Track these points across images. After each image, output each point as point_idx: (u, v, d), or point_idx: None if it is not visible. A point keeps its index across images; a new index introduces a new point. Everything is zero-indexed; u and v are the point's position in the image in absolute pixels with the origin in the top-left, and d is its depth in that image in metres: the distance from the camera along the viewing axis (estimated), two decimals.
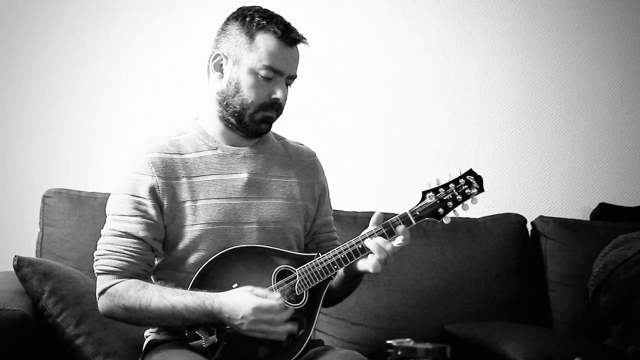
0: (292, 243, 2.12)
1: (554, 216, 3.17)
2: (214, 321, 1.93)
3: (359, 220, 2.92)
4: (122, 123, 3.11)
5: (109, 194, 2.77)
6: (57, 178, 2.98)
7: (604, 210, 3.29)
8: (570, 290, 3.01)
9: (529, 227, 3.15)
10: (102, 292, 1.99)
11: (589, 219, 3.32)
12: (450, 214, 2.05)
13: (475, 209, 3.26)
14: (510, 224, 3.08)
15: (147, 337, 2.13)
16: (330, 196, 2.30)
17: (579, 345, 2.64)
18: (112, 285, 1.97)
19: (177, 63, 3.16)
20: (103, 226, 2.04)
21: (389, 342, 2.23)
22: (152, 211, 2.00)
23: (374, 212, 2.96)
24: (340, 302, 2.26)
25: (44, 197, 2.78)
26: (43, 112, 3.07)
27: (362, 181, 3.23)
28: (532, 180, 3.38)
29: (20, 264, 2.24)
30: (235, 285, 1.96)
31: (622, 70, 3.44)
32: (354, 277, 2.11)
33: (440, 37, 3.34)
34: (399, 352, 1.85)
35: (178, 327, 2.00)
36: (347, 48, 3.29)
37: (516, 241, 3.06)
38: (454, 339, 2.72)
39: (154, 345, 2.07)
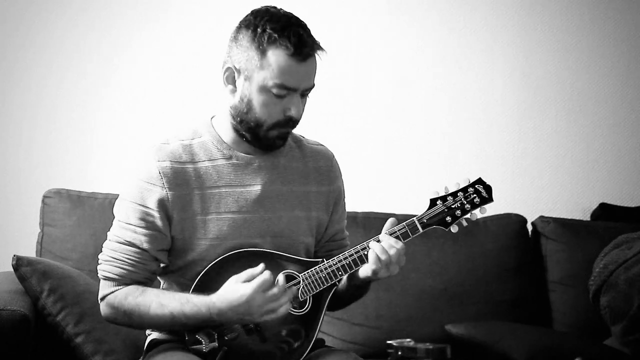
0: (301, 256, 2.08)
1: (554, 216, 3.17)
2: (216, 324, 1.91)
3: (359, 220, 2.92)
4: (122, 123, 3.11)
5: (109, 194, 2.81)
6: (57, 178, 2.98)
7: (604, 210, 3.29)
8: (571, 290, 3.01)
9: (529, 227, 3.15)
10: (102, 298, 1.99)
11: (589, 219, 3.31)
12: (458, 223, 2.03)
13: None
14: (510, 224, 3.08)
15: (148, 334, 2.12)
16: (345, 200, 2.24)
17: (579, 345, 2.64)
18: (112, 292, 1.97)
19: (177, 63, 3.16)
20: (110, 228, 2.02)
21: (389, 342, 2.24)
22: (159, 223, 1.96)
23: (373, 212, 3.00)
24: (345, 307, 2.22)
25: (44, 197, 2.78)
26: (43, 112, 3.07)
27: (362, 181, 3.22)
28: (532, 180, 3.38)
29: (19, 263, 2.24)
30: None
31: (623, 70, 3.44)
32: (358, 287, 2.08)
33: (440, 37, 3.34)
34: (400, 352, 1.85)
35: (180, 331, 1.99)
36: (347, 48, 3.28)
37: (516, 241, 3.06)
38: (454, 339, 2.71)
39: (155, 344, 2.06)
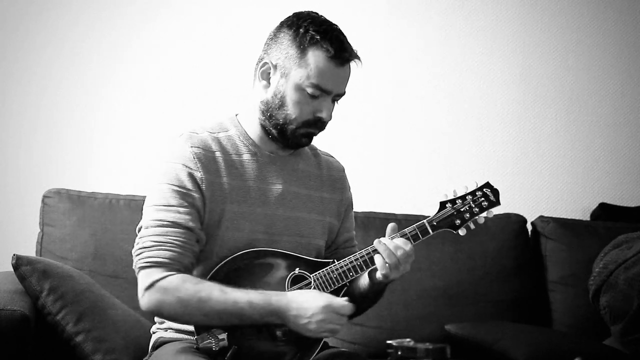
0: (312, 257, 2.09)
1: (554, 216, 3.17)
2: (276, 320, 1.90)
3: (359, 220, 2.91)
4: (122, 123, 3.11)
5: (109, 194, 2.80)
6: (57, 178, 2.98)
7: (604, 210, 3.29)
8: (570, 290, 3.01)
9: (529, 227, 3.15)
10: (151, 285, 1.90)
11: (589, 219, 3.32)
12: (466, 226, 2.06)
13: None
14: (510, 224, 3.08)
15: (153, 333, 2.11)
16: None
17: (579, 345, 2.64)
18: (164, 277, 1.89)
19: (177, 63, 3.16)
20: (140, 221, 1.97)
21: (389, 342, 2.23)
22: (199, 203, 1.95)
23: (373, 212, 3.00)
24: (361, 314, 2.23)
25: (44, 197, 2.77)
26: (43, 112, 3.07)
27: (362, 181, 3.22)
28: (532, 180, 3.38)
29: (19, 262, 2.24)
30: (249, 288, 1.94)
31: (622, 70, 3.45)
32: (377, 293, 2.11)
33: (440, 37, 3.35)
34: (399, 352, 1.84)
35: (230, 325, 1.92)
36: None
37: (516, 241, 3.06)
38: (454, 339, 2.71)
39: (162, 344, 2.05)
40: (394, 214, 3.02)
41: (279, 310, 1.89)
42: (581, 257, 3.00)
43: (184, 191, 1.94)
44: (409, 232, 2.02)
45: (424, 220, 2.04)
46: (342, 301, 1.91)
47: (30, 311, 2.14)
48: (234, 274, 1.97)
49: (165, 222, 1.92)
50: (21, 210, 3.00)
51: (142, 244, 1.93)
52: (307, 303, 1.89)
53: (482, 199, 2.08)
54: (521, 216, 3.12)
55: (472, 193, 2.08)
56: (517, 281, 3.00)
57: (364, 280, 2.06)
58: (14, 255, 2.25)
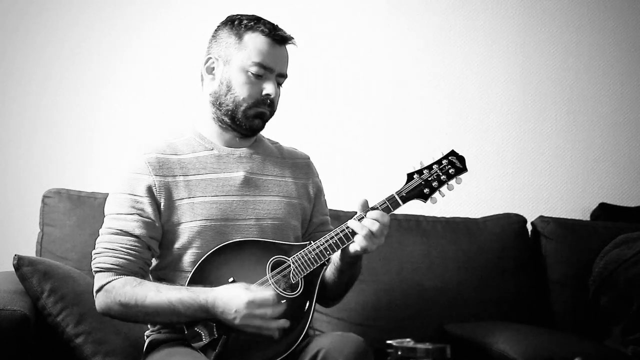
0: (291, 240, 2.15)
1: (554, 216, 3.17)
2: (208, 316, 1.95)
3: None
4: (122, 123, 3.11)
5: (109, 194, 2.80)
6: (57, 178, 2.98)
7: (604, 210, 3.29)
8: (570, 290, 3.00)
9: (529, 227, 3.15)
10: (99, 289, 2.01)
11: (589, 219, 3.32)
12: (437, 195, 2.10)
13: (475, 209, 3.29)
14: (510, 224, 3.08)
15: (147, 336, 2.14)
16: (326, 197, 2.34)
17: (579, 345, 2.64)
18: (109, 282, 2.00)
19: (176, 64, 3.16)
20: (101, 226, 2.07)
21: (389, 342, 2.24)
22: (148, 209, 2.03)
23: None
24: (343, 294, 2.26)
25: (44, 197, 2.78)
26: (43, 112, 3.07)
27: (361, 181, 3.23)
28: (532, 180, 3.38)
29: (20, 262, 2.25)
30: (232, 279, 1.99)
31: (622, 70, 3.44)
32: (351, 265, 2.12)
33: (440, 37, 3.34)
34: (399, 352, 1.84)
35: (175, 324, 2.01)
36: (347, 48, 3.29)
37: (516, 241, 3.06)
38: (454, 339, 2.72)
39: (155, 345, 2.08)
40: (393, 214, 3.01)
41: (207, 307, 1.94)
42: (581, 257, 3.00)
43: (134, 197, 2.04)
44: (380, 206, 2.07)
45: (394, 193, 2.10)
46: (265, 294, 1.93)
47: (30, 311, 2.14)
48: (214, 267, 2.01)
49: (114, 230, 2.04)
50: (21, 210, 3.00)
51: (95, 250, 2.06)
52: (232, 300, 1.92)
53: (449, 166, 2.13)
54: (521, 216, 3.12)
55: (438, 162, 2.13)
56: (517, 281, 3.00)
57: (335, 255, 2.08)
58: (15, 255, 2.25)
